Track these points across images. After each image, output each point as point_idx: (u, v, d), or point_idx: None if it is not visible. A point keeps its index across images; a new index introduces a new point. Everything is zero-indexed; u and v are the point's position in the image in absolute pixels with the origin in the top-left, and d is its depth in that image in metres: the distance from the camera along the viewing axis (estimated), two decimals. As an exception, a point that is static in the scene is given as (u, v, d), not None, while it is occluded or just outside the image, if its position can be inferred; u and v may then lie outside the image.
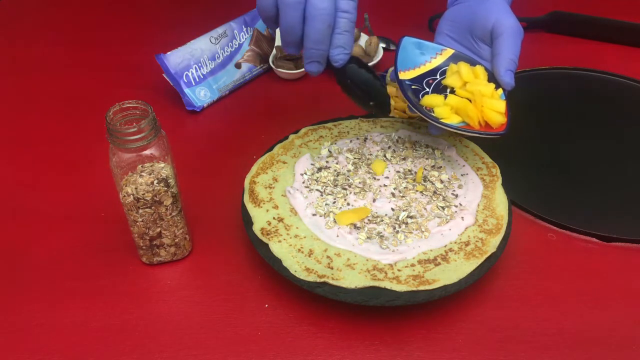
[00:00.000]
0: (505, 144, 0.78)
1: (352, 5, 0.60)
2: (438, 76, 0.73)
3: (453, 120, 0.68)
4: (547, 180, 0.77)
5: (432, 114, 0.68)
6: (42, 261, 0.67)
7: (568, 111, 0.88)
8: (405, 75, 0.72)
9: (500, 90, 0.69)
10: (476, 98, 0.68)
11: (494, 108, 0.67)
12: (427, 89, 0.72)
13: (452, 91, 0.71)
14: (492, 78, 0.70)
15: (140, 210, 0.60)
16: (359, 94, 0.67)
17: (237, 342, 0.59)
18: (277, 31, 0.94)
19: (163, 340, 0.59)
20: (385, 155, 0.73)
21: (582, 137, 0.83)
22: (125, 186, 0.60)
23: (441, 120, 0.67)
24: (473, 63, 0.72)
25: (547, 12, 1.05)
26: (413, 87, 0.71)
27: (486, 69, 0.71)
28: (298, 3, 0.57)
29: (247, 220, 0.65)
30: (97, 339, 0.59)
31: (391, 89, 0.87)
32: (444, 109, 0.68)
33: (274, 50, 0.93)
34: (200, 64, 0.88)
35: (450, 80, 0.71)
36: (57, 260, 0.67)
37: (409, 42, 0.74)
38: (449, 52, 0.74)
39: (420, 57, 0.74)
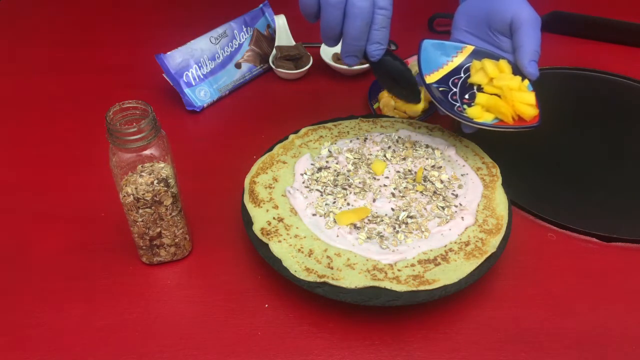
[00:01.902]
0: (505, 144, 0.79)
1: (389, 2, 0.63)
2: (462, 74, 0.74)
3: (486, 118, 0.69)
4: (547, 180, 0.77)
5: (465, 114, 0.69)
6: (42, 261, 0.67)
7: (568, 111, 0.88)
8: (430, 79, 0.72)
9: (526, 82, 0.70)
10: (505, 93, 0.68)
11: (524, 101, 0.68)
12: (454, 89, 0.73)
13: (480, 89, 0.71)
14: (516, 70, 0.71)
15: (140, 210, 0.60)
16: (392, 83, 0.72)
17: (237, 342, 0.59)
18: (277, 31, 0.94)
19: (163, 340, 0.59)
20: (385, 155, 0.73)
21: (582, 137, 0.83)
22: (125, 186, 0.60)
23: (474, 120, 0.68)
24: (495, 57, 0.72)
25: (547, 12, 1.04)
26: (440, 89, 0.72)
27: (509, 62, 0.71)
28: (339, 2, 0.61)
29: (247, 220, 0.65)
30: (97, 339, 0.59)
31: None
32: (476, 109, 0.69)
33: (274, 50, 0.93)
34: (200, 64, 0.88)
35: (476, 78, 0.72)
36: (57, 260, 0.67)
37: (428, 44, 0.74)
38: (469, 48, 0.74)
39: (441, 58, 0.74)
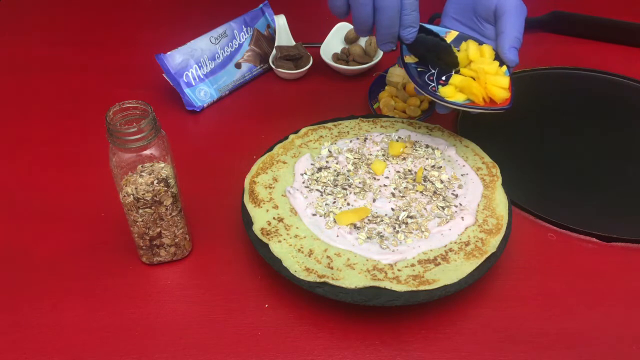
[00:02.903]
0: (505, 144, 0.79)
1: None
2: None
3: (458, 98, 0.70)
4: (547, 180, 0.77)
5: (438, 93, 0.70)
6: (42, 261, 0.67)
7: (568, 111, 0.88)
8: (411, 59, 0.73)
9: (504, 68, 0.71)
10: (480, 76, 0.70)
11: (497, 84, 0.69)
12: (433, 70, 0.74)
13: (458, 71, 0.73)
14: (498, 57, 0.72)
15: (140, 210, 0.60)
16: (430, 57, 0.73)
17: (237, 342, 0.59)
18: (277, 31, 0.94)
19: (163, 340, 0.59)
20: (385, 155, 0.73)
21: (582, 137, 0.83)
22: (125, 186, 0.60)
23: (447, 99, 0.69)
24: (479, 43, 0.73)
25: (547, 12, 1.04)
26: (419, 69, 0.73)
27: (493, 48, 0.72)
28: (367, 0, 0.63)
29: (247, 220, 0.65)
30: (97, 339, 0.59)
31: (391, 89, 0.87)
32: (449, 88, 0.71)
33: (274, 50, 0.93)
34: (200, 64, 0.88)
35: (459, 58, 0.73)
36: (57, 260, 0.67)
37: None
38: (454, 34, 0.75)
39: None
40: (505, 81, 0.69)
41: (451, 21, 0.77)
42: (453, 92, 0.70)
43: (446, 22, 0.77)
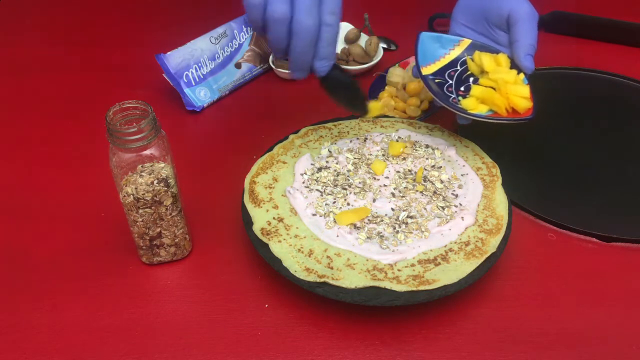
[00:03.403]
0: (505, 144, 0.79)
1: (336, 19, 0.61)
2: (459, 67, 0.75)
3: (480, 110, 0.70)
4: (547, 180, 0.77)
5: (459, 105, 0.70)
6: (42, 261, 0.67)
7: (568, 111, 0.88)
8: (426, 70, 0.73)
9: (522, 76, 0.71)
10: (500, 86, 0.69)
11: (518, 94, 0.69)
12: (450, 81, 0.74)
13: (476, 81, 0.72)
14: (513, 65, 0.72)
15: (140, 210, 0.60)
16: (341, 95, 0.69)
17: (237, 342, 0.59)
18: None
19: (163, 340, 0.59)
20: (385, 155, 0.73)
21: (582, 137, 0.83)
22: (125, 186, 0.60)
23: (469, 111, 0.69)
24: (492, 51, 0.73)
25: (547, 12, 1.04)
26: (436, 80, 0.73)
27: (508, 56, 0.72)
28: (284, 20, 0.59)
29: (247, 220, 0.65)
30: (97, 339, 0.59)
31: (391, 89, 0.87)
32: (471, 100, 0.70)
33: (274, 50, 0.93)
34: (200, 64, 0.88)
35: (473, 69, 0.74)
36: (58, 260, 0.67)
37: (426, 37, 0.76)
38: (466, 42, 0.75)
39: (439, 50, 0.75)
40: (526, 90, 0.69)
41: (461, 28, 0.77)
42: (475, 103, 0.70)
43: (456, 29, 0.77)
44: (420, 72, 0.72)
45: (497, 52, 0.73)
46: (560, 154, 0.81)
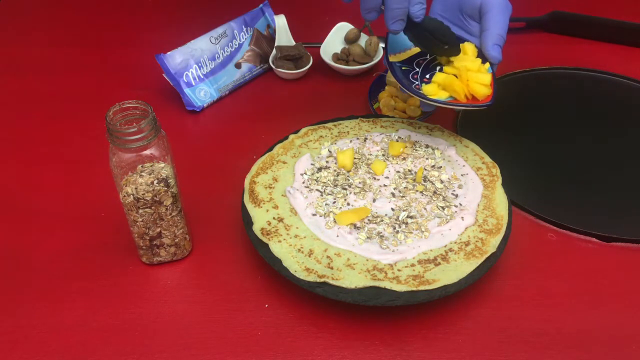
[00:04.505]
0: (505, 144, 0.79)
1: None
2: (428, 56, 0.76)
3: (441, 96, 0.71)
4: (547, 180, 0.77)
5: (422, 91, 0.71)
6: (42, 261, 0.67)
7: (568, 111, 0.88)
8: (395, 58, 0.74)
9: (487, 65, 0.71)
10: (462, 73, 0.70)
11: (478, 81, 0.69)
12: (417, 69, 0.74)
13: (442, 69, 0.73)
14: (480, 55, 0.72)
15: (140, 210, 0.60)
16: (435, 42, 0.71)
17: (237, 342, 0.59)
18: (277, 31, 0.94)
19: (163, 340, 0.59)
20: (385, 155, 0.73)
21: (582, 137, 0.83)
22: (125, 186, 0.60)
23: (429, 97, 0.70)
24: (461, 40, 0.74)
25: (547, 12, 1.04)
26: (403, 68, 0.74)
27: (475, 46, 0.73)
28: None
29: (247, 221, 0.65)
30: (97, 339, 0.59)
31: (391, 89, 0.87)
32: (432, 87, 0.71)
33: (274, 50, 0.93)
34: (200, 64, 0.88)
35: (440, 59, 0.75)
36: (57, 260, 0.67)
37: None
38: None
39: (409, 41, 0.76)
40: (487, 78, 0.70)
41: (437, 18, 0.77)
42: (436, 89, 0.71)
43: None
44: (387, 59, 0.73)
45: (466, 41, 0.74)
46: (560, 154, 0.81)
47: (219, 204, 0.72)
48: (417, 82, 0.72)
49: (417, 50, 0.76)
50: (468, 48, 0.72)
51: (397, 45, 0.76)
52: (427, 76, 0.73)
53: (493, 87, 0.69)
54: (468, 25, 0.75)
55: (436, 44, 0.72)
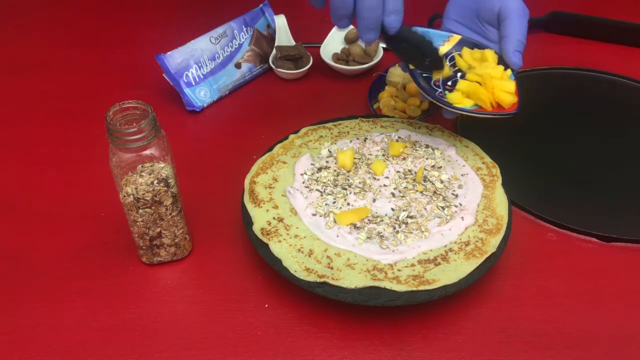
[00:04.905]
0: (505, 144, 0.79)
1: None
2: (448, 62, 0.75)
3: (465, 104, 0.70)
4: (547, 180, 0.77)
5: (445, 99, 0.70)
6: (42, 261, 0.67)
7: (568, 111, 0.88)
8: (414, 65, 0.73)
9: (509, 71, 0.71)
10: (486, 81, 0.70)
11: (504, 89, 0.69)
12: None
13: (463, 76, 0.73)
14: (501, 61, 0.72)
15: (140, 210, 0.60)
16: (413, 54, 0.70)
17: (237, 342, 0.59)
18: (277, 31, 0.94)
19: (163, 340, 0.59)
20: (385, 155, 0.73)
21: (582, 137, 0.83)
22: (125, 186, 0.60)
23: (453, 105, 0.69)
24: (481, 47, 0.73)
25: (547, 12, 1.04)
26: (424, 75, 0.73)
27: (495, 52, 0.73)
28: None
29: (247, 221, 0.65)
30: (97, 339, 0.59)
31: (391, 89, 0.87)
32: (456, 94, 0.71)
33: (274, 50, 0.93)
34: (200, 64, 0.88)
35: (460, 64, 0.74)
36: (57, 260, 0.67)
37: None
38: (456, 38, 0.75)
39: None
40: (511, 86, 0.69)
41: (453, 24, 0.77)
42: (460, 98, 0.70)
43: (448, 25, 0.77)
44: (407, 66, 0.73)
45: (486, 48, 0.74)
46: (560, 154, 0.81)
47: (219, 204, 0.72)
48: (440, 90, 0.72)
49: None
50: (489, 55, 0.72)
51: None
52: (449, 83, 0.73)
53: (518, 95, 0.69)
54: (486, 31, 0.74)
55: (416, 57, 0.71)
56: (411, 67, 0.72)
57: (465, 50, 0.73)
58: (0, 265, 0.66)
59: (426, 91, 0.70)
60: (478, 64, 0.72)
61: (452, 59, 0.75)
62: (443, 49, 0.75)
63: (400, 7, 0.63)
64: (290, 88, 0.92)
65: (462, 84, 0.71)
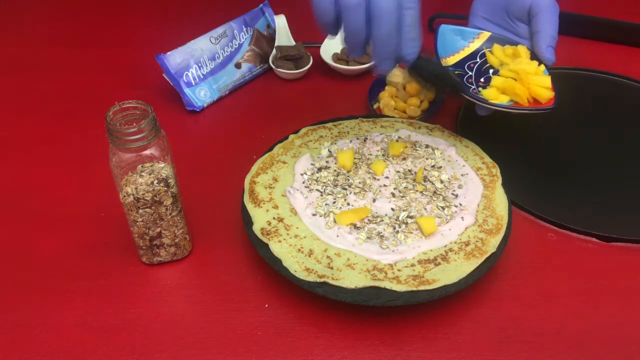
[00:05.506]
0: (505, 144, 0.79)
1: (415, 0, 0.59)
2: (478, 59, 0.75)
3: (501, 100, 0.70)
4: (547, 180, 0.77)
5: (480, 95, 0.70)
6: (42, 261, 0.67)
7: (568, 111, 0.88)
8: (446, 62, 0.74)
9: (542, 67, 0.71)
10: (521, 76, 0.70)
11: (540, 84, 0.69)
12: (470, 72, 0.74)
13: (495, 73, 0.73)
14: (533, 57, 0.72)
15: (140, 210, 0.60)
16: (434, 84, 0.70)
17: (237, 342, 0.59)
18: (277, 31, 0.94)
19: (163, 340, 0.59)
20: (385, 155, 0.73)
21: (582, 137, 0.83)
22: (125, 186, 0.60)
23: (489, 101, 0.70)
24: (512, 43, 0.74)
25: (547, 12, 1.04)
26: (456, 72, 0.74)
27: (527, 48, 0.73)
28: (359, 5, 0.56)
29: (247, 220, 0.65)
30: (97, 339, 0.59)
31: (391, 89, 0.87)
32: (491, 91, 0.71)
33: (274, 50, 0.93)
34: (200, 64, 0.88)
35: (492, 61, 0.75)
36: (57, 260, 0.67)
37: (446, 29, 0.76)
38: (486, 34, 0.76)
39: (458, 43, 0.76)
40: (547, 80, 0.70)
41: (481, 21, 0.77)
42: (496, 94, 0.70)
43: (476, 22, 0.78)
44: (440, 64, 0.73)
45: (516, 44, 0.74)
46: (560, 154, 0.81)
47: (219, 204, 0.72)
48: (473, 87, 0.72)
49: (467, 51, 0.76)
50: (521, 50, 0.72)
51: (447, 48, 0.75)
52: (482, 79, 0.73)
53: (554, 90, 0.69)
54: (516, 28, 0.75)
55: (436, 86, 0.71)
56: (443, 63, 0.72)
57: (496, 47, 0.74)
58: (0, 265, 0.66)
59: (462, 89, 0.70)
60: (511, 60, 0.72)
61: (483, 55, 0.75)
62: (473, 46, 0.76)
63: (416, 35, 0.60)
64: (290, 88, 0.92)
65: (496, 80, 0.71)
